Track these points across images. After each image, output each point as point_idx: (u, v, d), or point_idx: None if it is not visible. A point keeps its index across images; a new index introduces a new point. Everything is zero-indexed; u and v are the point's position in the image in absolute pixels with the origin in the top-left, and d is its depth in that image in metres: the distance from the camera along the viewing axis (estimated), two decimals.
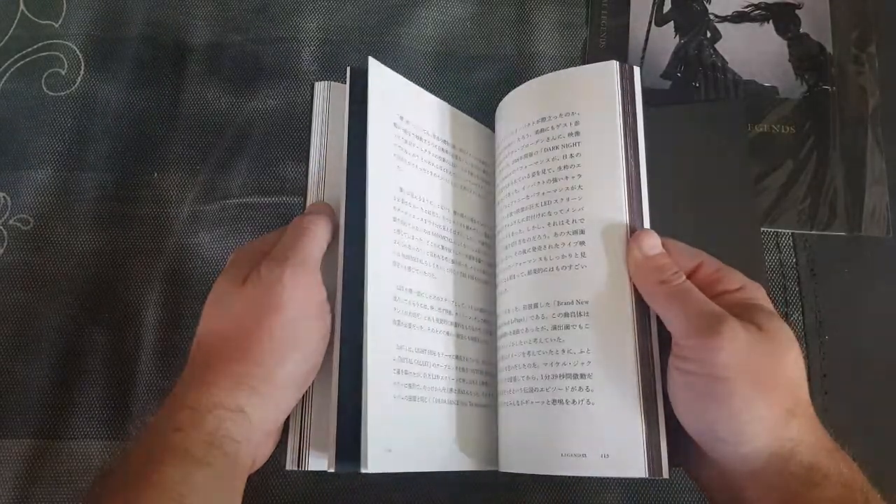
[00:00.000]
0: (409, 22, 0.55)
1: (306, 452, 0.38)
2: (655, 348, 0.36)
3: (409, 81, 0.42)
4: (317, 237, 0.38)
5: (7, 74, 0.54)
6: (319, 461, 0.37)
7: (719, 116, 0.52)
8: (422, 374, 0.38)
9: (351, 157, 0.39)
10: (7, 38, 0.55)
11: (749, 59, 0.54)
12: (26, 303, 0.49)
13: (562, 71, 0.41)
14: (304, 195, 0.42)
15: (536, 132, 0.40)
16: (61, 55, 0.55)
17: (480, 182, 0.46)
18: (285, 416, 0.37)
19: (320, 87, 0.43)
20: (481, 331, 0.43)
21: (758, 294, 0.35)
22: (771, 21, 0.55)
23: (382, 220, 0.38)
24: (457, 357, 0.41)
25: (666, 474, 0.34)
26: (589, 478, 0.45)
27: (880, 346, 0.48)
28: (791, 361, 0.33)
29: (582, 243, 0.37)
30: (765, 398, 0.31)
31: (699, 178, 0.50)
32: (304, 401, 0.38)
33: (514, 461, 0.38)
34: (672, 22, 0.55)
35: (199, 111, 0.53)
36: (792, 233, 0.50)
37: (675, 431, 0.34)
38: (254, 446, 0.35)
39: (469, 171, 0.45)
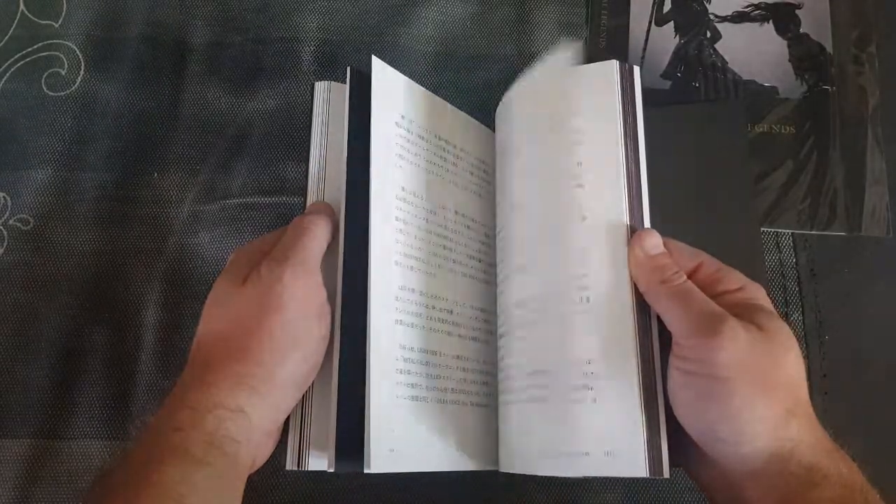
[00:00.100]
0: (409, 22, 0.55)
1: (306, 452, 0.38)
2: (656, 348, 0.36)
3: (411, 81, 0.42)
4: (317, 237, 0.38)
5: (7, 74, 0.54)
6: (319, 461, 0.37)
7: (719, 116, 0.52)
8: (423, 374, 0.38)
9: (351, 157, 0.39)
10: (7, 38, 0.55)
11: (749, 59, 0.54)
12: (26, 303, 0.49)
13: (562, 70, 0.41)
14: (304, 195, 0.42)
15: (536, 132, 0.40)
16: (61, 55, 0.55)
17: (481, 182, 0.46)
18: (285, 416, 0.37)
19: (320, 87, 0.43)
20: (482, 331, 0.43)
21: (758, 294, 0.35)
22: (771, 21, 0.55)
23: (384, 220, 0.38)
24: (458, 357, 0.41)
25: (667, 474, 0.34)
26: (589, 477, 0.45)
27: (880, 347, 0.48)
28: (791, 361, 0.33)
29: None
30: (765, 398, 0.31)
31: (699, 178, 0.50)
32: (304, 401, 0.38)
33: (515, 461, 0.38)
34: (672, 22, 0.55)
35: (199, 111, 0.53)
36: (792, 233, 0.50)
37: (676, 431, 0.34)
38: (254, 446, 0.35)
39: (470, 171, 0.45)
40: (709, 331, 0.32)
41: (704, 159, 0.50)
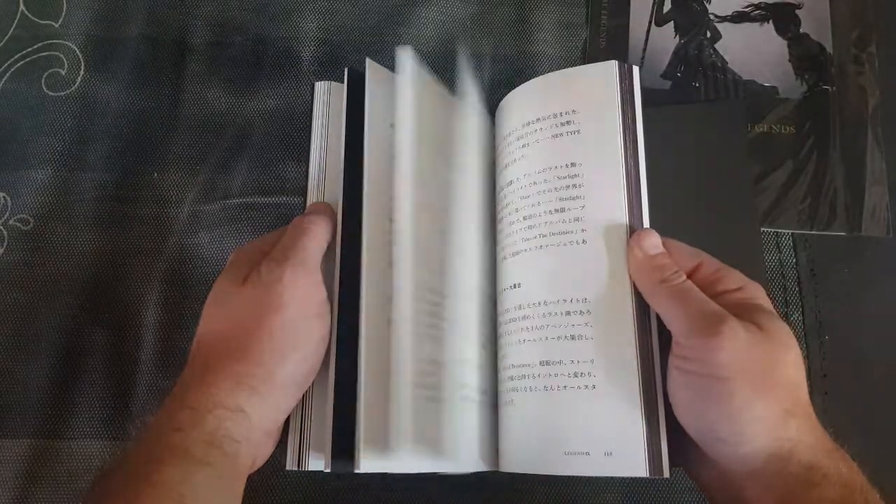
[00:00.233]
0: (409, 22, 0.55)
1: (306, 452, 0.38)
2: (656, 348, 0.36)
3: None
4: (317, 237, 0.38)
5: (7, 74, 0.54)
6: (319, 461, 0.37)
7: (719, 116, 0.52)
8: (417, 373, 0.38)
9: (347, 159, 0.39)
10: (7, 37, 0.55)
11: (749, 59, 0.54)
12: (26, 303, 0.49)
13: (562, 70, 0.41)
14: (304, 195, 0.42)
15: (536, 132, 0.40)
16: (61, 55, 0.55)
17: (482, 182, 0.45)
18: (285, 416, 0.37)
19: (320, 87, 0.43)
20: (480, 331, 0.43)
21: (758, 294, 0.35)
22: (771, 21, 0.55)
23: (379, 221, 0.38)
24: (454, 356, 0.41)
25: (667, 474, 0.34)
26: (589, 477, 0.45)
27: (880, 347, 0.48)
28: (791, 362, 0.33)
29: (583, 242, 0.37)
30: (764, 398, 0.31)
31: (699, 178, 0.50)
32: (304, 401, 0.38)
33: (515, 461, 0.38)
34: (672, 22, 0.55)
35: (199, 111, 0.53)
36: (792, 233, 0.50)
37: (675, 431, 0.34)
38: (254, 446, 0.35)
39: (468, 170, 0.45)
40: (709, 330, 0.32)
41: (704, 159, 0.50)
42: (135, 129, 0.53)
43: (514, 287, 0.40)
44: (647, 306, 0.36)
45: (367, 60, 0.39)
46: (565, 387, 0.36)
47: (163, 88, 0.54)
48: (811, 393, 0.33)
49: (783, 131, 0.52)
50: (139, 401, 0.47)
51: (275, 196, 0.51)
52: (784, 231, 0.50)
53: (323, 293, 0.37)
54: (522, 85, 0.42)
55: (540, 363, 0.37)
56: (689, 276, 0.36)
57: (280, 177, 0.51)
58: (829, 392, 0.47)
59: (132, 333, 0.48)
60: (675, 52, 0.54)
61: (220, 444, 0.32)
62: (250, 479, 0.35)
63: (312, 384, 0.38)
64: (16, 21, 0.55)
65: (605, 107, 0.39)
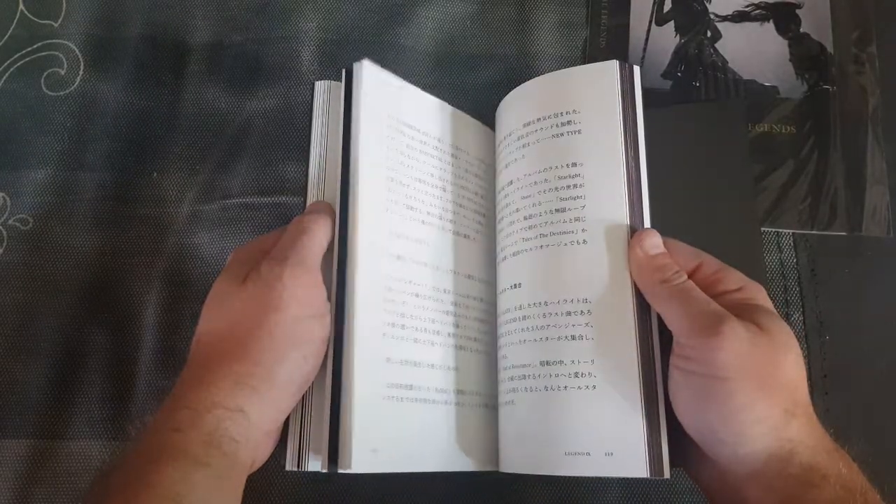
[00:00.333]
0: (408, 21, 0.55)
1: (306, 453, 0.37)
2: (657, 348, 0.36)
3: (404, 82, 0.42)
4: (317, 236, 0.38)
5: (6, 74, 0.54)
6: (318, 462, 0.37)
7: (720, 116, 0.52)
8: (414, 373, 0.38)
9: (346, 160, 0.39)
10: (6, 37, 0.55)
11: (749, 58, 0.54)
12: (26, 303, 0.49)
13: (562, 70, 0.41)
14: (304, 195, 0.42)
15: (537, 132, 0.40)
16: (61, 55, 0.55)
17: (480, 181, 0.45)
18: (285, 416, 0.37)
19: (320, 87, 0.43)
20: (479, 331, 0.43)
21: (758, 294, 0.35)
22: (771, 21, 0.55)
23: (373, 224, 0.38)
24: (448, 356, 0.41)
25: (667, 474, 0.34)
26: (589, 478, 0.45)
27: (881, 347, 0.48)
28: (791, 362, 0.33)
29: (583, 242, 0.37)
30: (764, 399, 0.31)
31: (699, 178, 0.50)
32: (304, 401, 0.38)
33: (516, 461, 0.38)
34: (672, 21, 0.55)
35: (199, 111, 0.53)
36: (792, 232, 0.50)
37: (675, 431, 0.34)
38: (253, 446, 0.35)
39: (467, 170, 0.45)
40: (710, 330, 0.32)
41: (705, 159, 0.50)
42: (134, 129, 0.53)
43: (515, 287, 0.39)
44: (648, 306, 0.36)
45: (357, 64, 0.39)
46: (566, 387, 0.36)
47: (162, 88, 0.54)
48: (812, 393, 0.33)
49: (784, 131, 0.52)
50: (138, 401, 0.47)
51: (274, 196, 0.51)
52: (785, 231, 0.50)
53: (323, 293, 0.37)
54: (523, 85, 0.42)
55: (540, 363, 0.37)
56: (690, 277, 0.36)
57: (280, 177, 0.51)
58: (829, 392, 0.47)
59: (131, 333, 0.48)
60: (676, 52, 0.54)
61: (220, 444, 0.32)
62: (250, 479, 0.35)
63: (312, 384, 0.38)
64: (15, 20, 0.55)
65: (606, 106, 0.39)
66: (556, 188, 0.39)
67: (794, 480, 0.31)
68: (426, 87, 0.44)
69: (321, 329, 0.37)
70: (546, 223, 0.39)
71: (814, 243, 0.50)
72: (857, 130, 0.52)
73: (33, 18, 0.56)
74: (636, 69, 0.40)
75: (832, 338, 0.48)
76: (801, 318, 0.48)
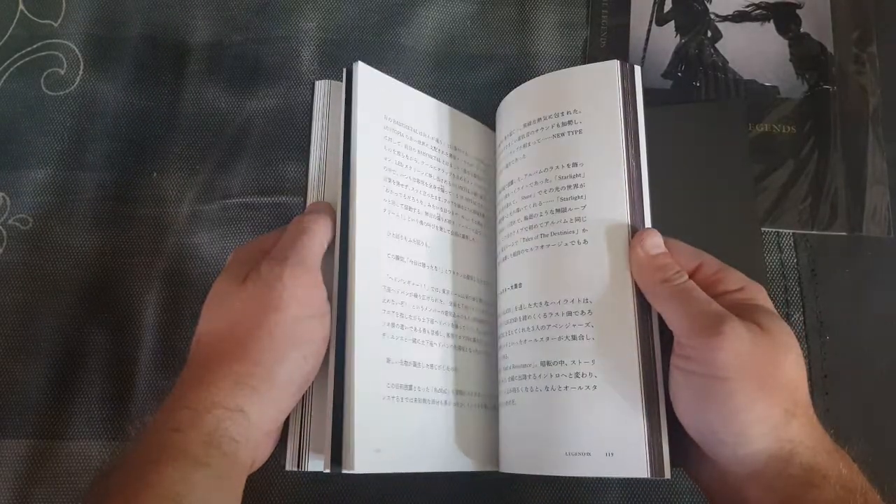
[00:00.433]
0: (409, 21, 0.55)
1: (306, 453, 0.37)
2: (657, 348, 0.36)
3: (401, 83, 0.42)
4: (317, 236, 0.38)
5: (6, 74, 0.54)
6: (319, 462, 0.37)
7: (720, 116, 0.52)
8: (413, 373, 0.38)
9: (346, 161, 0.39)
10: (6, 37, 0.55)
11: (750, 58, 0.54)
12: (25, 303, 0.49)
13: (563, 70, 0.41)
14: (304, 195, 0.42)
15: (537, 131, 0.40)
16: (60, 55, 0.54)
17: (479, 182, 0.45)
18: (285, 416, 0.37)
19: (321, 87, 0.43)
20: (479, 331, 0.43)
21: (758, 295, 0.35)
22: (772, 21, 0.55)
23: (372, 224, 0.38)
24: (449, 356, 0.41)
25: (668, 474, 0.34)
26: (590, 478, 0.45)
27: (881, 347, 0.48)
28: (792, 362, 0.33)
29: (584, 242, 0.37)
30: (765, 399, 0.31)
31: (700, 178, 0.50)
32: (304, 401, 0.38)
33: (516, 461, 0.38)
34: (673, 21, 0.55)
35: (198, 111, 0.53)
36: (793, 233, 0.50)
37: (676, 431, 0.34)
38: (253, 446, 0.35)
39: (465, 171, 0.45)
40: (711, 330, 0.32)
41: (705, 159, 0.50)
42: (134, 129, 0.53)
43: (515, 287, 0.39)
44: (649, 306, 0.36)
45: (359, 63, 0.39)
46: (566, 387, 0.36)
47: (162, 88, 0.54)
48: (812, 393, 0.33)
49: (784, 131, 0.52)
50: (138, 401, 0.47)
51: (274, 196, 0.51)
52: (785, 231, 0.50)
53: (323, 293, 0.37)
54: (523, 84, 0.42)
55: (541, 363, 0.37)
56: (691, 277, 0.36)
57: (280, 177, 0.51)
58: (830, 392, 0.47)
59: (131, 333, 0.48)
60: (676, 52, 0.54)
61: (219, 444, 0.32)
62: (250, 479, 0.35)
63: (312, 384, 0.38)
64: (15, 20, 0.55)
65: (606, 106, 0.39)
66: (557, 188, 0.39)
67: (794, 481, 0.31)
68: (426, 87, 0.44)
69: (321, 329, 0.37)
70: (547, 223, 0.38)
71: (814, 243, 0.50)
72: (857, 130, 0.52)
73: (33, 18, 0.56)
74: (637, 69, 0.40)
75: (832, 338, 0.48)
76: (801, 318, 0.48)
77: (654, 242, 0.36)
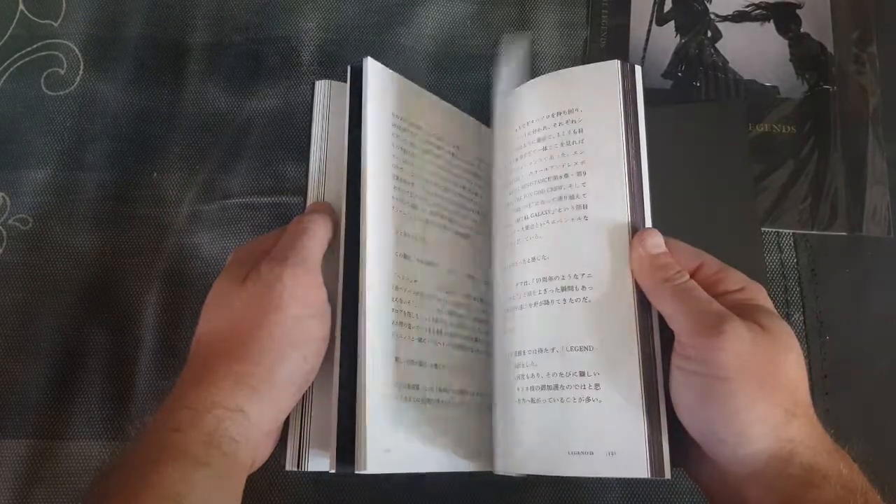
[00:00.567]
0: (409, 21, 0.55)
1: (306, 453, 0.37)
2: (658, 348, 0.36)
3: (408, 80, 0.42)
4: (317, 236, 0.38)
5: (6, 74, 0.54)
6: (319, 462, 0.37)
7: (720, 116, 0.52)
8: (420, 373, 0.38)
9: (351, 158, 0.39)
10: (6, 37, 0.55)
11: (750, 58, 0.54)
12: (25, 303, 0.49)
13: (564, 70, 0.41)
14: (304, 195, 0.42)
15: (537, 131, 0.40)
16: (60, 55, 0.54)
17: (480, 181, 0.45)
18: (285, 416, 0.37)
19: (321, 86, 0.43)
20: (481, 331, 0.43)
21: (759, 295, 0.35)
22: (772, 21, 0.55)
23: (382, 221, 0.38)
24: (456, 357, 0.41)
25: (668, 475, 0.34)
26: (591, 478, 0.45)
27: (881, 347, 0.48)
28: (792, 362, 0.33)
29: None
30: (765, 399, 0.31)
31: (700, 178, 0.50)
32: (304, 401, 0.38)
33: (519, 462, 0.38)
34: (673, 21, 0.55)
35: (198, 111, 0.53)
36: (793, 233, 0.50)
37: (676, 431, 0.34)
38: (253, 446, 0.35)
39: (466, 170, 0.45)
40: (712, 330, 0.32)
41: (705, 159, 0.50)
42: (134, 129, 0.53)
43: (513, 286, 0.39)
44: (649, 307, 0.36)
45: (368, 59, 0.39)
46: (570, 386, 0.36)
47: (162, 88, 0.54)
48: (812, 393, 0.33)
49: (784, 131, 0.52)
50: (138, 401, 0.47)
51: (274, 196, 0.51)
52: (785, 231, 0.50)
53: (323, 293, 0.37)
54: (524, 84, 0.42)
55: (542, 363, 0.37)
56: (691, 277, 0.36)
57: (280, 177, 0.51)
58: (830, 392, 0.47)
59: (131, 333, 0.48)
60: (676, 52, 0.54)
61: (219, 444, 0.32)
62: (250, 478, 0.35)
63: (313, 384, 0.38)
64: (15, 20, 0.55)
65: (607, 106, 0.39)
66: (557, 188, 0.39)
67: (794, 481, 0.31)
68: (426, 87, 0.44)
69: (321, 329, 0.37)
70: (546, 223, 0.38)
71: (814, 243, 0.50)
72: (857, 130, 0.52)
73: (33, 18, 0.56)
74: (638, 69, 0.40)
75: (832, 338, 0.48)
76: (801, 318, 0.48)
77: (655, 242, 0.36)
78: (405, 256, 0.39)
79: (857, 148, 0.51)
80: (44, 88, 0.54)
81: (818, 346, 0.48)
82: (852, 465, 0.32)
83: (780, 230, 0.50)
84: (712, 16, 0.55)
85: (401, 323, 0.38)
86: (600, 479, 0.45)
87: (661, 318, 0.36)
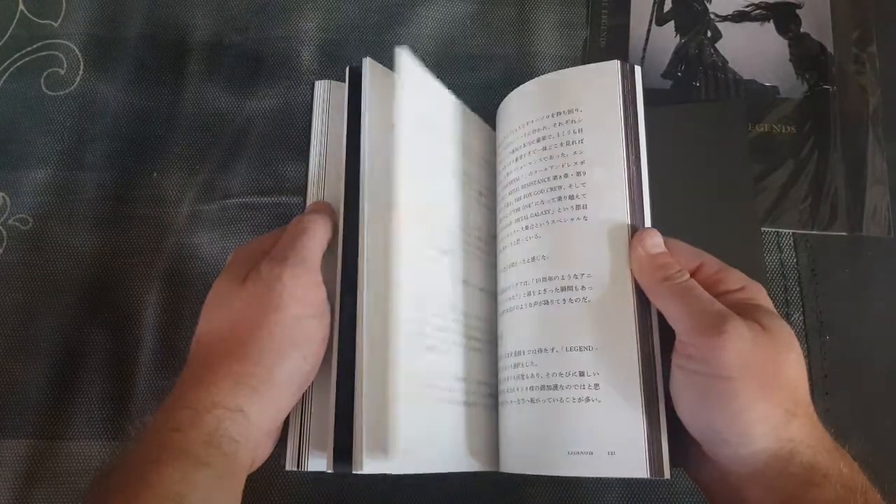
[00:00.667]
0: (409, 21, 0.55)
1: (306, 453, 0.37)
2: (657, 348, 0.36)
3: (426, 74, 0.42)
4: (317, 236, 0.38)
5: (6, 74, 0.54)
6: (319, 461, 0.37)
7: (720, 116, 0.52)
8: (421, 373, 0.38)
9: (350, 157, 0.39)
10: (6, 37, 0.55)
11: (750, 58, 0.54)
12: (25, 303, 0.49)
13: (564, 70, 0.41)
14: (304, 195, 0.42)
15: (537, 131, 0.40)
16: (60, 55, 0.55)
17: (485, 181, 0.45)
18: (285, 416, 0.37)
19: (320, 86, 0.43)
20: (481, 330, 0.43)
21: (759, 294, 0.35)
22: (772, 20, 0.55)
23: (379, 220, 0.38)
24: (454, 356, 0.41)
25: (667, 475, 0.34)
26: (590, 478, 0.45)
27: (881, 346, 0.48)
28: (792, 361, 0.33)
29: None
30: (766, 399, 0.31)
31: (700, 178, 0.50)
32: (304, 401, 0.38)
33: (518, 461, 0.38)
34: (672, 21, 0.55)
35: (198, 111, 0.53)
36: (793, 233, 0.50)
37: (676, 431, 0.34)
38: (253, 446, 0.35)
39: (474, 169, 0.45)
40: (713, 330, 0.32)
41: (705, 159, 0.50)
42: (134, 129, 0.53)
43: (514, 286, 0.39)
44: (649, 307, 0.36)
45: (366, 60, 0.39)
46: (567, 387, 0.36)
47: (162, 88, 0.54)
48: (812, 393, 0.33)
49: (784, 131, 0.52)
50: (138, 401, 0.47)
51: (274, 196, 0.51)
52: (785, 231, 0.50)
53: (323, 293, 0.37)
54: (524, 84, 0.42)
55: (541, 363, 0.37)
56: (691, 277, 0.36)
57: (279, 176, 0.51)
58: (829, 392, 0.47)
59: (131, 333, 0.48)
60: (676, 52, 0.54)
61: (219, 444, 0.32)
62: (250, 478, 0.35)
63: (312, 384, 0.38)
64: (15, 20, 0.55)
65: (607, 106, 0.39)
66: (557, 188, 0.39)
67: (795, 480, 0.31)
68: None
69: (321, 329, 0.37)
70: (546, 223, 0.38)
71: (814, 243, 0.50)
72: (857, 130, 0.52)
73: (33, 18, 0.56)
74: (638, 69, 0.40)
75: (832, 338, 0.48)
76: (801, 318, 0.48)
77: (655, 241, 0.36)
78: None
79: (857, 148, 0.51)
80: (44, 88, 0.54)
81: (818, 346, 0.48)
82: (853, 464, 0.32)
83: (780, 230, 0.50)
84: (712, 16, 0.55)
85: (410, 320, 0.38)
86: (601, 479, 0.45)
87: (661, 318, 0.36)
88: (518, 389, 0.38)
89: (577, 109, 0.39)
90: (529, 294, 0.38)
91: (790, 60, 0.53)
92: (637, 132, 0.39)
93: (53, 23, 0.55)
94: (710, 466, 0.34)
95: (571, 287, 0.37)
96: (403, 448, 0.35)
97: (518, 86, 0.42)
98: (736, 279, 0.36)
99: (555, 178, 0.39)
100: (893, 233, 0.50)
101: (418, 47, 0.55)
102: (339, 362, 0.36)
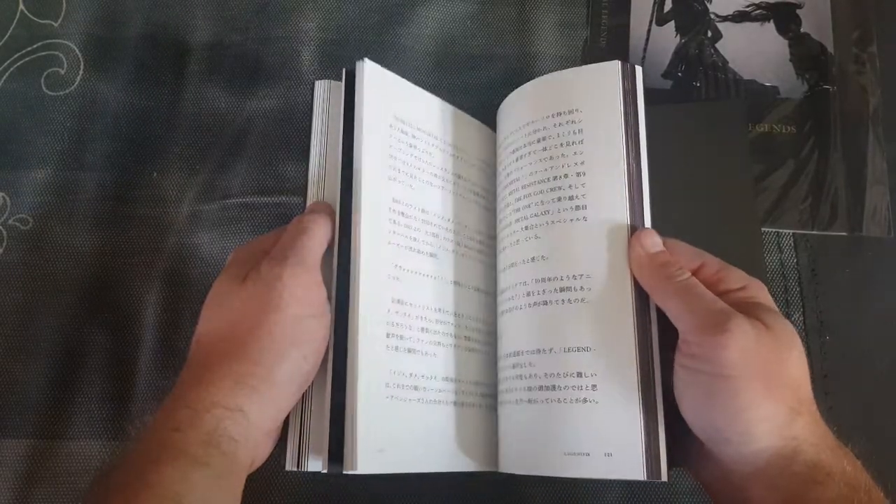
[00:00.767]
0: (409, 21, 0.55)
1: (305, 453, 0.37)
2: (655, 349, 0.36)
3: (408, 82, 0.42)
4: (317, 236, 0.38)
5: (6, 74, 0.54)
6: (319, 462, 0.37)
7: (720, 116, 0.52)
8: (418, 374, 0.38)
9: (346, 163, 0.39)
10: (6, 37, 0.55)
11: (750, 58, 0.54)
12: (26, 303, 0.49)
13: (564, 70, 0.41)
14: (304, 195, 0.41)
15: (538, 131, 0.40)
16: (60, 55, 0.55)
17: (482, 182, 0.45)
18: (284, 416, 0.37)
19: (320, 86, 0.43)
20: (480, 331, 0.43)
21: (760, 293, 0.35)
22: (772, 21, 0.55)
23: (375, 227, 0.38)
24: (451, 356, 0.41)
25: (664, 477, 0.34)
26: (589, 479, 0.45)
27: (881, 346, 0.48)
28: (795, 359, 0.33)
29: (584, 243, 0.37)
30: (770, 397, 0.31)
31: (700, 178, 0.50)
32: (304, 401, 0.38)
33: (515, 462, 0.38)
34: (673, 21, 0.55)
35: (198, 111, 0.53)
36: (793, 233, 0.50)
37: (678, 430, 0.34)
38: (252, 446, 0.35)
39: (469, 172, 0.45)
40: (717, 328, 0.32)
41: (705, 159, 0.50)
42: (134, 129, 0.53)
43: (512, 286, 0.39)
44: (648, 308, 0.36)
45: (359, 62, 0.39)
46: (565, 388, 0.36)
47: (163, 88, 0.54)
48: (813, 393, 0.33)
49: (784, 131, 0.52)
50: (138, 401, 0.47)
51: (274, 196, 0.51)
52: (785, 231, 0.50)
53: (323, 292, 0.37)
54: (525, 84, 0.42)
55: (540, 364, 0.37)
56: (693, 276, 0.36)
57: (280, 176, 0.51)
58: (830, 392, 0.46)
59: (131, 333, 0.48)
60: (676, 52, 0.54)
61: (219, 444, 0.32)
62: (250, 478, 0.35)
63: (312, 384, 0.38)
64: (15, 20, 0.55)
65: (607, 107, 0.39)
66: (558, 188, 0.39)
67: (798, 478, 0.31)
68: (426, 88, 0.44)
69: (321, 328, 0.37)
70: (546, 223, 0.38)
71: (814, 243, 0.50)
72: (857, 130, 0.52)
73: (33, 18, 0.56)
74: (638, 69, 0.40)
75: (832, 338, 0.48)
76: (801, 318, 0.48)
77: (653, 241, 0.36)
78: (403, 254, 0.39)
79: (857, 148, 0.51)
80: (44, 88, 0.54)
81: (818, 346, 0.48)
82: (856, 463, 0.32)
83: (780, 230, 0.50)
84: (712, 16, 0.55)
85: (395, 323, 0.38)
86: (599, 479, 0.45)
87: (661, 318, 0.36)
88: (516, 389, 0.38)
89: (577, 110, 0.39)
90: (529, 294, 0.38)
91: (790, 60, 0.53)
92: (637, 133, 0.39)
93: (53, 23, 0.55)
94: (713, 465, 0.34)
95: (570, 288, 0.37)
96: (378, 448, 0.35)
97: (518, 86, 0.42)
98: (737, 278, 0.36)
99: (555, 178, 0.39)
100: (893, 233, 0.50)
101: (418, 47, 0.55)
102: (334, 362, 0.36)
